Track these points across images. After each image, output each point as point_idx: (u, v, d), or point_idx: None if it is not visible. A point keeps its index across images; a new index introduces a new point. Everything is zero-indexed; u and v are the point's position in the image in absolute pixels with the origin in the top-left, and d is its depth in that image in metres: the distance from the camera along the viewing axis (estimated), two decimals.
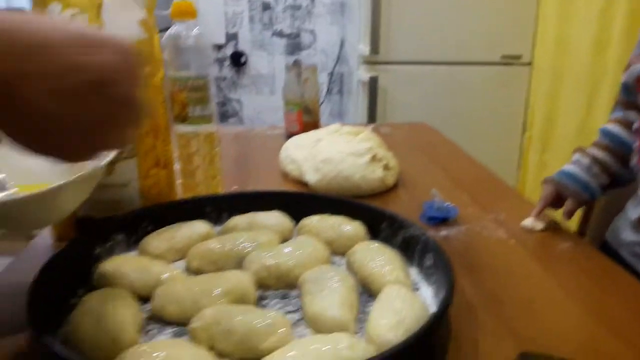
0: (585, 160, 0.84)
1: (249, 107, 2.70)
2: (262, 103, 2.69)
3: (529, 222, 0.79)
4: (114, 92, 0.35)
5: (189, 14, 0.68)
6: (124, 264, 0.60)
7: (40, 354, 0.48)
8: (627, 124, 0.86)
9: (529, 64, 2.09)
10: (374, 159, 0.90)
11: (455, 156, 1.15)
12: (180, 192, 0.81)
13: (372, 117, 2.05)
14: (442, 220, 0.79)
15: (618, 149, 0.85)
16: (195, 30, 0.68)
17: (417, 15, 1.96)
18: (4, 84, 0.31)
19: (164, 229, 0.69)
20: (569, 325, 0.57)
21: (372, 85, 1.98)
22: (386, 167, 0.92)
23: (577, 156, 0.86)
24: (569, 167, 0.85)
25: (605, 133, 0.87)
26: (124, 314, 0.50)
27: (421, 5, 1.96)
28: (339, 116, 2.69)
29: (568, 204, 0.82)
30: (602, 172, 0.83)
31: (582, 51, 1.79)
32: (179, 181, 0.81)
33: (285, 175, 1.00)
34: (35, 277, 0.53)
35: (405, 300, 0.53)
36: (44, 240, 0.73)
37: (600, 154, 0.84)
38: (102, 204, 0.69)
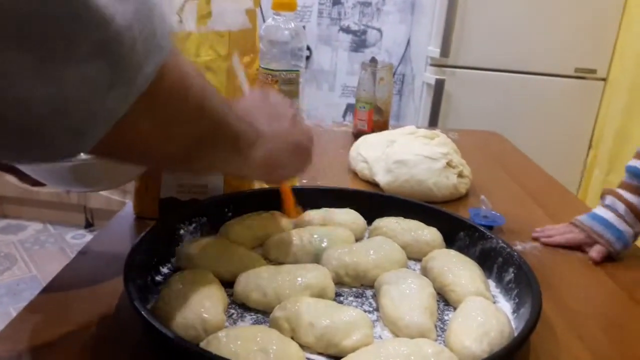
0: (621, 207, 0.76)
1: (307, 102, 2.71)
2: (320, 99, 2.70)
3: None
4: (281, 102, 0.59)
5: (290, 6, 0.69)
6: (207, 247, 0.62)
7: (141, 329, 0.50)
8: None
9: (604, 79, 2.01)
10: (449, 165, 0.89)
11: (529, 169, 1.12)
12: (257, 182, 0.82)
13: (433, 121, 2.02)
14: (488, 228, 0.76)
15: None
16: (292, 24, 0.69)
17: (492, 21, 1.92)
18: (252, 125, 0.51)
19: (243, 216, 0.70)
20: None
21: (438, 89, 1.96)
22: (460, 175, 0.91)
23: (610, 199, 0.78)
24: (603, 213, 0.78)
25: (636, 173, 0.76)
26: (212, 297, 0.52)
27: (497, 10, 1.91)
28: (397, 118, 2.66)
29: (599, 250, 0.75)
30: (638, 220, 0.76)
31: None
32: None
33: (354, 174, 1.00)
34: (130, 253, 0.55)
35: (489, 313, 0.52)
36: (127, 216, 0.76)
37: (636, 199, 0.75)
38: (187, 187, 0.71)
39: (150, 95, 0.32)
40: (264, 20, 0.78)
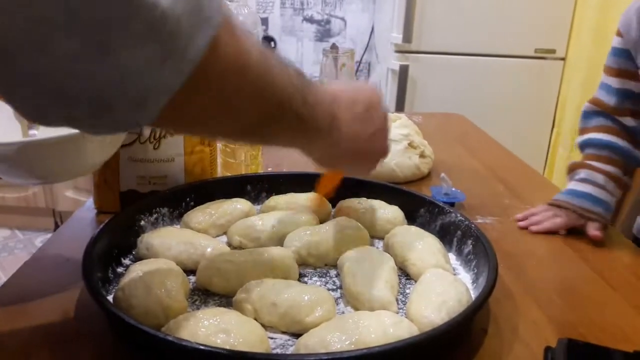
0: (599, 177, 0.76)
1: None
2: None
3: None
4: (378, 110, 0.55)
5: None
6: (168, 236, 0.62)
7: (106, 318, 0.49)
8: (618, 132, 0.78)
9: (563, 58, 2.05)
10: (410, 145, 0.91)
11: (490, 148, 1.14)
12: (220, 170, 0.82)
13: (399, 107, 2.04)
14: (449, 205, 0.77)
15: (624, 160, 0.77)
16: (245, 10, 0.69)
17: (451, 5, 1.94)
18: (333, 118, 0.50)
19: (206, 204, 0.70)
20: (610, 315, 0.57)
21: (402, 74, 1.97)
22: (422, 155, 0.92)
23: (585, 173, 0.77)
24: (582, 187, 0.76)
25: (603, 144, 0.78)
26: (173, 284, 0.52)
27: None
28: None
29: (597, 227, 0.73)
30: (617, 188, 0.76)
31: None
32: (218, 160, 0.82)
33: None
34: (88, 245, 0.54)
35: (447, 284, 0.54)
36: (88, 212, 0.75)
37: (611, 168, 0.76)
38: (147, 179, 0.71)
39: (204, 68, 0.33)
40: None
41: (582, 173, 0.78)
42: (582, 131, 0.82)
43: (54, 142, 0.51)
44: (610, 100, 0.78)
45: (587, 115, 0.82)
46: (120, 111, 0.32)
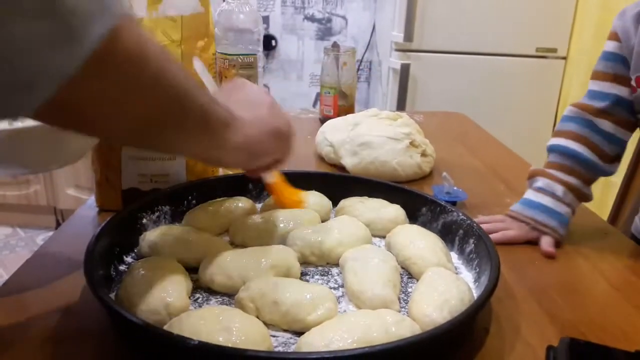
0: (559, 188, 0.73)
1: (276, 92, 2.69)
2: (288, 88, 2.69)
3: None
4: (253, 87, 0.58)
5: None
6: (170, 234, 0.62)
7: (108, 316, 0.50)
8: (588, 142, 0.74)
9: (564, 58, 2.05)
10: (412, 144, 0.91)
11: (492, 146, 1.14)
12: (221, 169, 0.82)
13: (401, 105, 2.04)
14: (451, 204, 0.77)
15: (586, 172, 0.74)
16: (247, 7, 0.69)
17: (452, 4, 1.94)
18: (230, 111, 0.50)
19: (208, 202, 0.70)
20: (611, 315, 0.57)
21: (404, 73, 1.97)
22: (423, 154, 0.92)
23: (543, 182, 0.74)
24: (539, 198, 0.74)
25: (569, 154, 0.74)
26: (175, 282, 0.52)
27: None
28: (365, 104, 2.67)
29: (549, 242, 0.70)
30: (576, 199, 0.74)
31: None
32: None
33: (321, 158, 1.01)
34: (90, 243, 0.54)
35: (449, 283, 0.54)
36: (90, 210, 0.75)
37: (571, 179, 0.74)
38: (149, 177, 0.71)
39: (103, 57, 0.32)
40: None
41: (540, 182, 0.75)
42: (555, 134, 0.79)
43: (40, 130, 0.49)
44: (598, 104, 0.75)
45: (566, 119, 0.78)
46: (3, 94, 0.29)
